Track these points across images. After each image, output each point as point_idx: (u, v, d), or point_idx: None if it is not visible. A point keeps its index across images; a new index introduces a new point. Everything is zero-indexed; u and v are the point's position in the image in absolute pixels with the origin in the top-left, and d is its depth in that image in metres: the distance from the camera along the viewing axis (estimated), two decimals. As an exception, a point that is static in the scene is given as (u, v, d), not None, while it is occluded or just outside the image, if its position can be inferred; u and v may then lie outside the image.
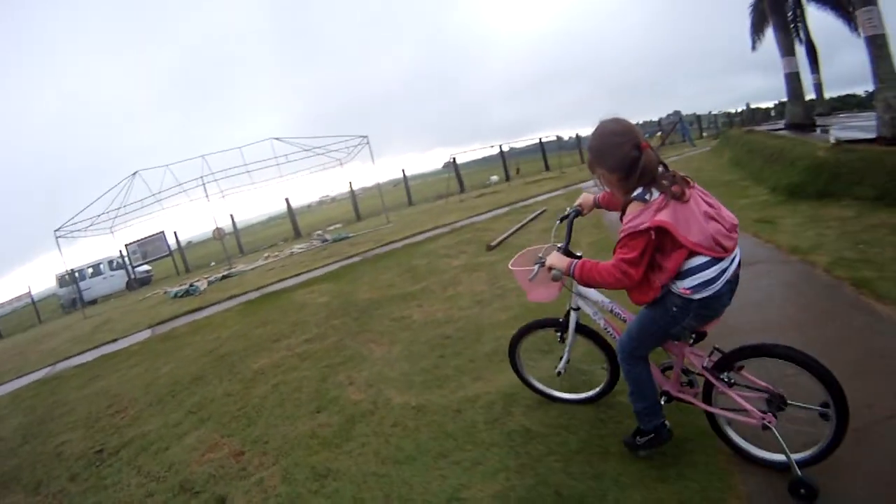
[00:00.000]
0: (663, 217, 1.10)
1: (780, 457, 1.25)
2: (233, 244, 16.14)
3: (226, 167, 12.93)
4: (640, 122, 23.69)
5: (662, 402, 1.40)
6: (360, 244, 9.26)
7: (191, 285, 9.09)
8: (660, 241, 1.14)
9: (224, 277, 9.26)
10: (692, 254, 1.12)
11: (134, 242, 16.49)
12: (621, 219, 1.25)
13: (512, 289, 3.57)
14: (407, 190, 17.93)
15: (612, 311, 1.57)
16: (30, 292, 17.90)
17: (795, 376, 1.22)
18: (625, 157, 1.15)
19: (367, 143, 13.63)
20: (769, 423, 1.21)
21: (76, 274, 15.13)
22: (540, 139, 20.02)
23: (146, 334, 6.80)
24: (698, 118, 21.16)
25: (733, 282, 1.18)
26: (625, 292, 1.29)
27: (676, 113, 21.83)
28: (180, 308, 7.77)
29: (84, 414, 4.60)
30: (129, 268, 16.86)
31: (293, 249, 11.10)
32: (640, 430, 1.40)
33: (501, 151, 18.22)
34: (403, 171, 18.44)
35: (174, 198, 13.42)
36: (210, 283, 9.04)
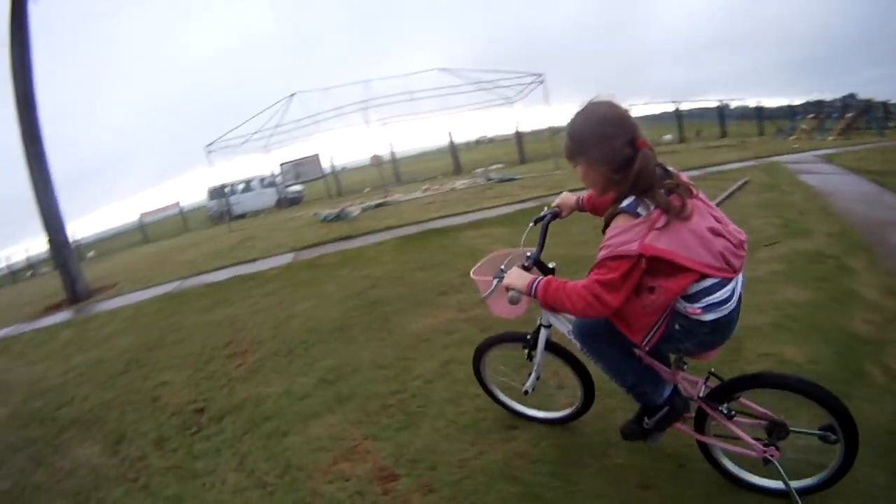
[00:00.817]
0: (658, 243, 1.27)
1: (776, 485, 1.61)
2: (390, 173, 20.35)
3: (388, 94, 16.43)
4: (812, 100, 26.87)
5: (655, 438, 1.73)
6: (531, 188, 10.92)
7: (343, 210, 11.38)
8: (653, 266, 1.31)
9: (379, 205, 11.51)
10: (701, 276, 1.34)
11: (288, 162, 20.94)
12: (604, 231, 1.41)
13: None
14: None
15: None
16: (179, 202, 26.42)
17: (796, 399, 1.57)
18: (615, 152, 1.32)
19: (542, 81, 16.83)
20: (772, 456, 1.52)
21: (227, 188, 21.15)
22: (722, 103, 23.78)
23: (288, 258, 8.18)
24: (884, 105, 22.04)
25: (740, 303, 1.43)
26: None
27: (851, 96, 24.04)
28: (329, 233, 9.47)
29: (197, 349, 5.36)
30: (281, 186, 22.48)
31: (455, 185, 13.43)
32: (645, 407, 1.67)
33: (677, 111, 22.19)
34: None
35: (332, 121, 17.48)
36: (364, 209, 11.23)
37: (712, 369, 1.68)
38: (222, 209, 21.15)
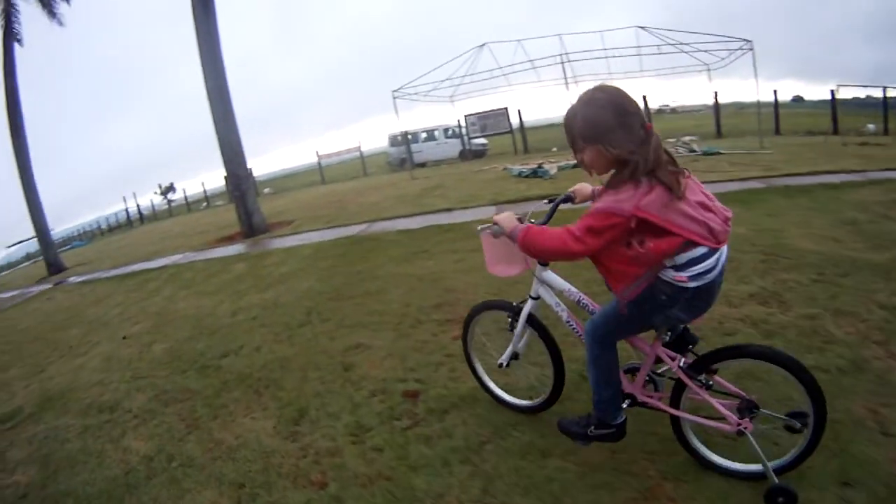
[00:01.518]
0: (650, 208, 1.88)
1: (751, 467, 2.24)
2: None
3: (582, 50, 20.39)
4: None
5: (625, 406, 2.41)
6: (742, 166, 12.24)
7: (539, 166, 13.79)
8: (643, 228, 1.92)
9: (576, 166, 12.56)
10: (690, 244, 1.94)
11: (474, 114, 26.83)
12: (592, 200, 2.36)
13: None
14: (776, 116, 25.60)
15: (578, 302, 2.56)
16: (359, 146, 32.84)
17: (765, 383, 2.63)
18: (634, 134, 1.91)
19: (752, 49, 19.48)
20: (745, 428, 2.13)
21: (409, 136, 26.74)
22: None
23: (489, 211, 9.61)
24: None
25: (722, 273, 2.06)
26: (598, 283, 2.59)
27: None
28: (528, 189, 11.36)
29: (397, 307, 5.98)
30: (465, 138, 28.37)
31: None
32: (600, 420, 2.37)
33: (884, 97, 23.92)
34: (775, 92, 26.89)
35: (522, 75, 22.02)
36: (560, 168, 13.54)
37: (691, 346, 2.36)
38: (402, 156, 27.32)
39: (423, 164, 27.22)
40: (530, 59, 20.60)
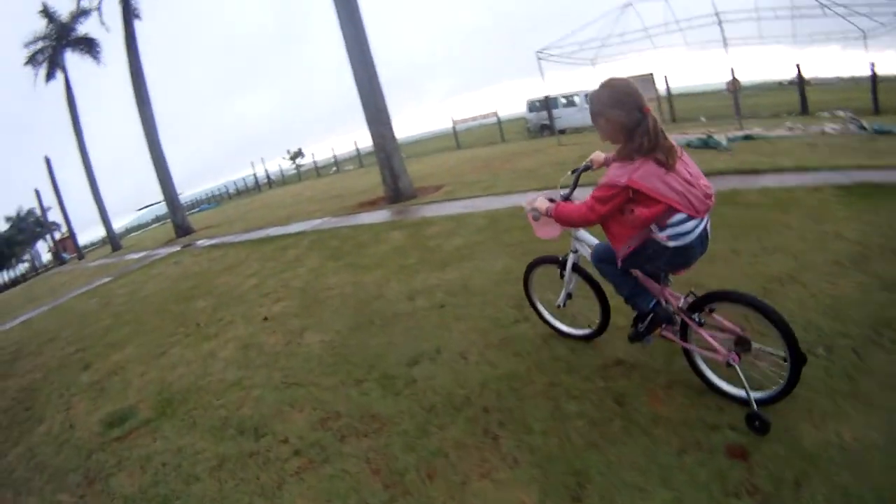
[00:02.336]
0: (641, 180, 2.48)
1: (741, 392, 2.69)
2: (731, 103, 22.26)
3: (734, 10, 18.76)
4: None
5: (648, 340, 3.07)
6: None
7: (709, 136, 13.10)
8: (635, 196, 2.53)
9: (747, 137, 13.16)
10: (672, 210, 2.51)
11: None
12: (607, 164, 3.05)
13: None
14: (947, 92, 21.95)
15: None
16: (496, 112, 32.46)
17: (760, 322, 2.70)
18: (629, 113, 2.52)
19: None
20: (733, 360, 2.65)
21: (549, 101, 26.30)
22: None
23: None
24: None
25: (704, 239, 2.65)
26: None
27: None
28: (723, 163, 9.68)
29: None
30: None
31: (824, 128, 14.04)
32: (638, 316, 3.03)
33: None
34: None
35: (668, 37, 20.96)
36: (729, 140, 12.96)
37: (693, 289, 2.90)
38: (542, 122, 27.58)
39: (562, 131, 26.10)
40: (676, 20, 19.47)
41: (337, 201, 16.14)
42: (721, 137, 13.19)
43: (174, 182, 22.15)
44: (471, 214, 9.07)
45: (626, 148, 2.57)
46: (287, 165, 49.73)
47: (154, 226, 53.82)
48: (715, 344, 2.73)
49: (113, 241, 31.11)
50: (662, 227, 2.57)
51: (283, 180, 46.80)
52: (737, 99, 18.43)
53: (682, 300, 2.90)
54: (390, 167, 13.39)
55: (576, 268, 3.55)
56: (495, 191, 11.28)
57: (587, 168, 3.36)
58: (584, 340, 3.81)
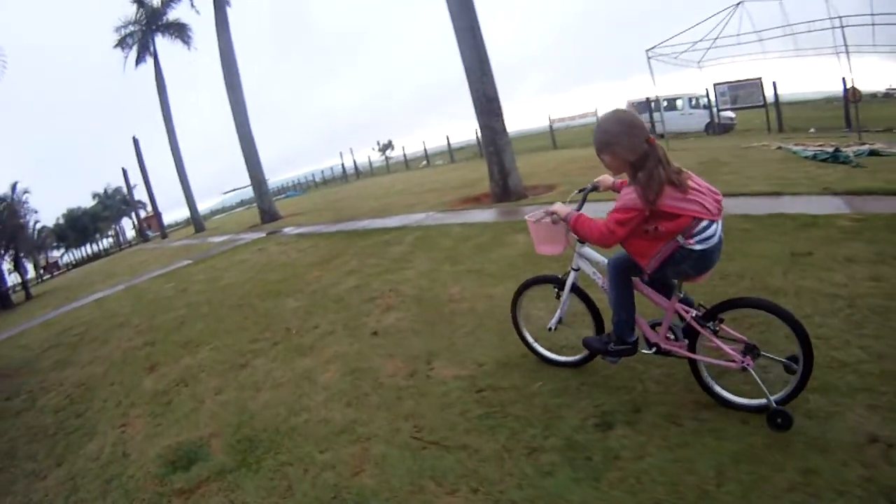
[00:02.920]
0: (661, 200, 2.69)
1: (755, 401, 2.83)
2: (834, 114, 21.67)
3: (855, 14, 17.65)
4: None
5: (652, 352, 3.17)
6: None
7: (836, 150, 12.14)
8: (656, 215, 2.75)
9: (872, 153, 12.09)
10: (695, 221, 2.73)
11: (724, 83, 25.27)
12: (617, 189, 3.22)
13: None
14: None
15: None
16: (595, 111, 32.20)
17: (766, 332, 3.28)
18: (636, 145, 2.73)
19: None
20: (748, 365, 2.78)
21: (651, 104, 25.67)
22: None
23: (835, 203, 6.96)
24: None
25: (720, 243, 2.83)
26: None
27: None
28: (866, 181, 8.17)
29: None
30: (714, 110, 26.85)
31: None
32: (617, 338, 3.20)
33: None
34: None
35: (780, 41, 19.77)
36: (856, 154, 12.00)
37: (701, 302, 3.05)
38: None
39: (661, 136, 25.00)
40: (790, 24, 18.52)
41: (434, 195, 15.11)
42: (848, 151, 12.43)
43: (262, 168, 21.92)
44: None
45: (639, 174, 2.72)
46: (376, 157, 49.72)
47: (238, 210, 54.95)
48: (729, 350, 2.84)
49: (196, 222, 31.67)
50: (691, 235, 2.74)
51: (372, 172, 46.57)
52: (855, 110, 17.71)
53: (694, 311, 2.98)
54: (500, 163, 12.44)
55: (574, 287, 3.52)
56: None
57: (594, 188, 3.44)
58: (572, 367, 3.71)
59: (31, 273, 59.95)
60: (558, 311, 3.53)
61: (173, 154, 30.80)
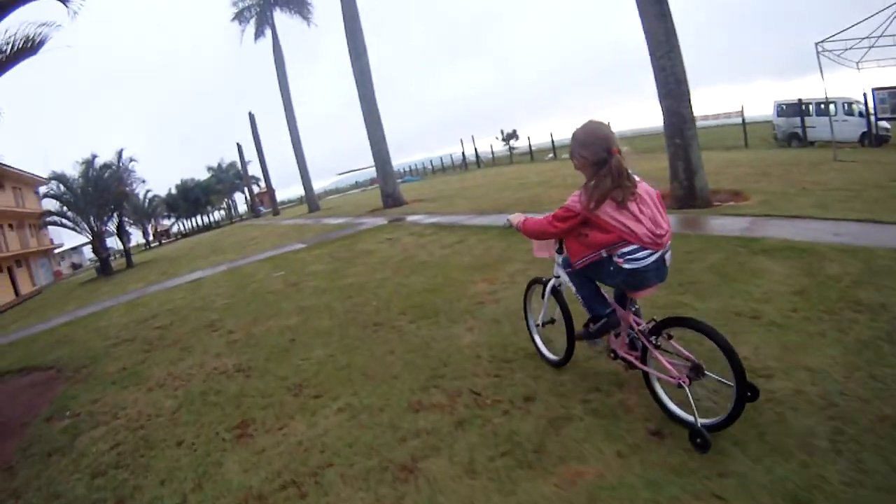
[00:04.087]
0: (595, 210, 2.99)
1: (690, 417, 2.91)
2: None
3: None
4: None
5: (611, 357, 3.44)
6: None
7: None
8: (591, 223, 3.04)
9: None
10: (623, 240, 2.97)
11: (885, 89, 22.89)
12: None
13: None
14: None
15: None
16: (741, 110, 29.52)
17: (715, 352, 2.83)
18: (597, 154, 3.02)
19: None
20: (683, 382, 2.90)
21: (802, 106, 24.45)
22: None
23: None
24: None
25: (661, 266, 3.04)
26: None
27: None
28: None
29: None
30: (872, 118, 24.17)
31: None
32: (591, 318, 3.44)
33: None
34: None
35: None
36: None
37: (655, 317, 3.18)
38: (793, 130, 25.22)
39: (810, 143, 24.46)
40: None
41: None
42: None
43: (388, 149, 20.12)
44: (829, 247, 5.17)
45: (591, 181, 2.99)
46: (499, 147, 47.51)
47: (353, 192, 54.66)
48: (667, 366, 2.96)
49: (311, 201, 30.96)
50: (619, 254, 2.97)
51: (493, 161, 44.34)
52: None
53: (644, 324, 3.18)
54: (686, 159, 10.34)
55: (554, 292, 3.83)
56: (840, 213, 6.93)
57: None
58: (551, 364, 4.00)
59: (141, 239, 63.24)
60: (543, 310, 3.95)
61: (290, 130, 30.34)
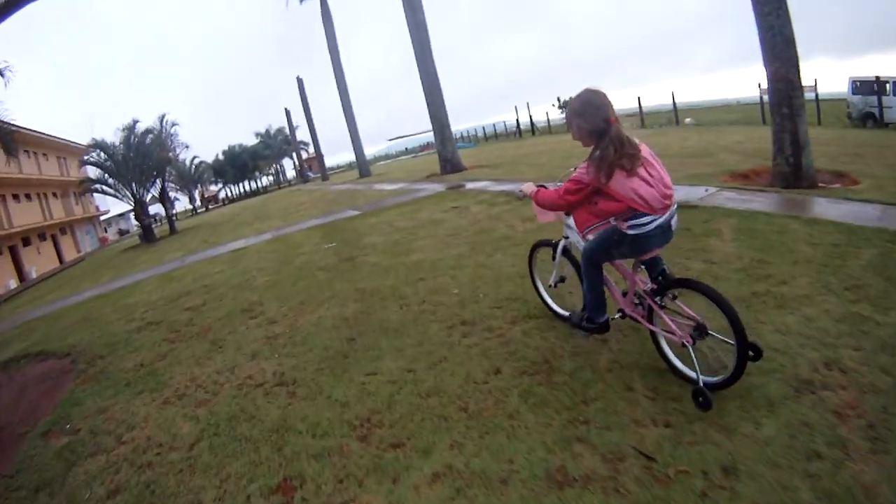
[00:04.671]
0: (602, 178, 3.00)
1: (693, 374, 3.02)
2: None
3: None
4: None
5: (617, 317, 3.60)
6: None
7: None
8: (601, 191, 3.10)
9: None
10: (631, 209, 3.04)
11: None
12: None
13: None
14: None
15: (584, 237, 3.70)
16: (815, 85, 27.49)
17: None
18: (595, 124, 3.02)
19: None
20: (687, 342, 3.03)
21: (878, 84, 22.45)
22: None
23: None
24: None
25: (666, 230, 3.09)
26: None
27: None
28: None
29: None
30: None
31: None
32: (589, 317, 3.60)
33: None
34: None
35: None
36: None
37: (661, 277, 3.22)
38: (869, 109, 23.39)
39: (885, 125, 22.06)
40: None
41: (673, 163, 11.39)
42: None
43: (448, 113, 18.66)
44: None
45: (596, 152, 3.00)
46: (555, 115, 45.72)
47: (404, 158, 53.60)
48: (673, 326, 3.05)
49: (362, 166, 29.94)
50: (624, 219, 3.01)
51: (550, 129, 42.25)
52: None
53: (649, 284, 3.26)
54: (793, 131, 9.12)
55: (565, 252, 4.00)
56: None
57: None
58: (563, 320, 4.19)
59: (188, 205, 63.57)
60: (555, 271, 4.09)
61: (340, 93, 29.05)
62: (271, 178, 76.46)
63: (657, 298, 3.17)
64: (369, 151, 33.07)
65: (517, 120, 44.64)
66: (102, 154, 24.80)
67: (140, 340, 5.71)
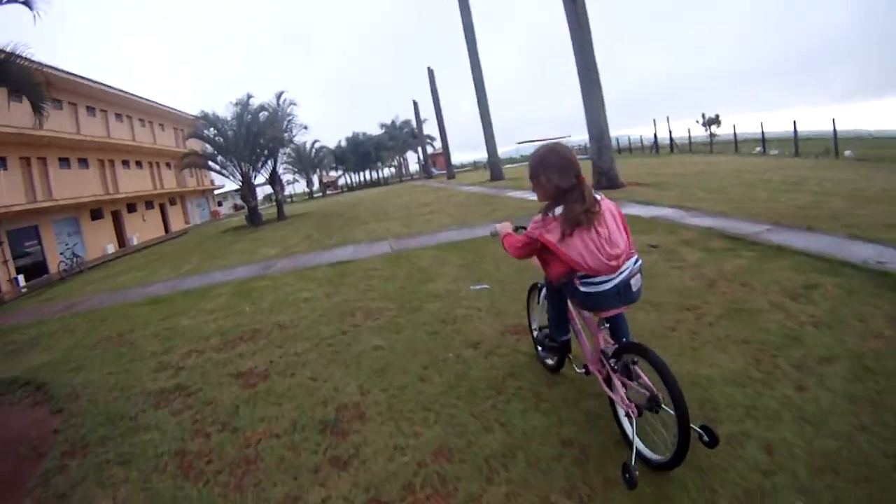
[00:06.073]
0: (549, 236, 2.93)
1: (642, 446, 2.84)
2: None
3: None
4: None
5: (582, 372, 3.48)
6: None
7: None
8: (544, 247, 3.05)
9: None
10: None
11: None
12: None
13: None
14: None
15: None
16: None
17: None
18: (569, 181, 2.91)
19: None
20: (632, 412, 2.82)
21: None
22: None
23: None
24: None
25: (624, 292, 2.92)
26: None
27: None
28: None
29: None
30: None
31: None
32: (551, 337, 3.68)
33: None
34: None
35: None
36: None
37: (624, 339, 3.08)
38: None
39: None
40: None
41: (843, 202, 8.21)
42: None
43: (608, 120, 15.56)
44: None
45: (553, 207, 2.93)
46: (698, 132, 42.33)
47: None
48: (621, 391, 2.92)
49: (494, 167, 27.46)
50: (579, 276, 2.91)
51: (690, 147, 39.65)
52: None
53: (610, 345, 3.12)
54: None
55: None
56: None
57: None
58: (549, 371, 4.07)
59: (305, 188, 63.65)
60: (538, 316, 4.11)
61: (476, 88, 27.21)
62: (393, 169, 77.24)
63: (611, 361, 3.05)
64: (498, 152, 30.90)
65: (654, 134, 42.05)
66: (212, 129, 23.94)
67: (144, 436, 3.62)
